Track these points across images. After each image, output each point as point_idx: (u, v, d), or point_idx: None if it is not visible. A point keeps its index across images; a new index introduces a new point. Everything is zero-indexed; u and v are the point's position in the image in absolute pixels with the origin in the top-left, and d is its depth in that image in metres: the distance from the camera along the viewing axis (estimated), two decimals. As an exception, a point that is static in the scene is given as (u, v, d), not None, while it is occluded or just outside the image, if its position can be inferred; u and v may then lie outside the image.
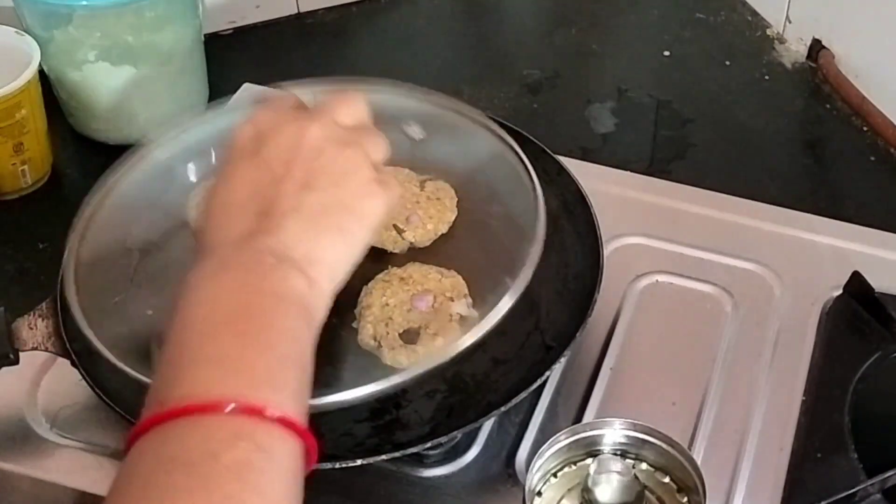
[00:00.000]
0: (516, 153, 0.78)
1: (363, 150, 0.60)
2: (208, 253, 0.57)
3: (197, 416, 0.48)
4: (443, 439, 0.71)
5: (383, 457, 0.69)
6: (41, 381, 0.79)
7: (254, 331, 0.52)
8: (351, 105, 0.63)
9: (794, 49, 1.15)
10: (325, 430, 0.71)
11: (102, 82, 0.98)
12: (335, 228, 0.58)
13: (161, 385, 0.51)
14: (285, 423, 0.49)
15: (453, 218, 0.85)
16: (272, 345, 0.52)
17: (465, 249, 0.84)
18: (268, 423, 0.49)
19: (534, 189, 0.76)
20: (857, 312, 0.82)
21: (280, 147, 0.59)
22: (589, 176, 0.87)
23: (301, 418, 0.51)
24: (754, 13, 1.21)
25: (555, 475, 0.67)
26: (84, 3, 0.92)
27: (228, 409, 0.48)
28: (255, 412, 0.48)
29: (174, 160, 0.90)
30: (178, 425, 0.48)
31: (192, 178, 0.88)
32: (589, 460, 0.67)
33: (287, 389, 0.51)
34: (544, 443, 0.66)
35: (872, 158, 1.02)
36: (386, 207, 0.61)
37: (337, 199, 0.58)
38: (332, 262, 0.58)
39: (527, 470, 0.66)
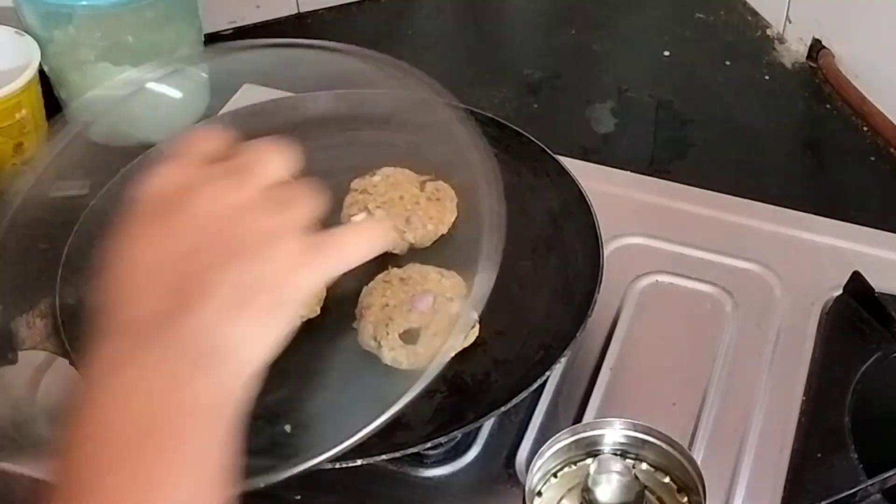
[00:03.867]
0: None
1: (291, 215, 0.52)
2: (116, 333, 0.50)
3: None
4: (443, 439, 0.71)
5: (383, 457, 0.69)
6: (40, 381, 0.79)
7: (168, 452, 0.48)
8: (276, 160, 0.54)
9: (794, 49, 1.15)
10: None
11: (102, 82, 0.98)
12: (260, 308, 0.51)
13: None
14: None
15: (453, 219, 0.85)
16: (186, 469, 0.48)
17: (465, 250, 0.84)
18: None
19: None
20: (857, 312, 0.82)
21: (194, 213, 0.51)
22: (589, 176, 0.87)
23: None
24: (754, 13, 1.21)
25: (555, 475, 0.67)
26: (84, 3, 0.92)
27: None
28: None
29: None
30: None
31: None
32: (589, 460, 0.67)
33: None
34: (544, 443, 0.66)
35: (872, 158, 1.02)
36: (319, 278, 0.53)
37: (261, 275, 0.51)
38: (257, 344, 0.51)
39: (527, 470, 0.66)
